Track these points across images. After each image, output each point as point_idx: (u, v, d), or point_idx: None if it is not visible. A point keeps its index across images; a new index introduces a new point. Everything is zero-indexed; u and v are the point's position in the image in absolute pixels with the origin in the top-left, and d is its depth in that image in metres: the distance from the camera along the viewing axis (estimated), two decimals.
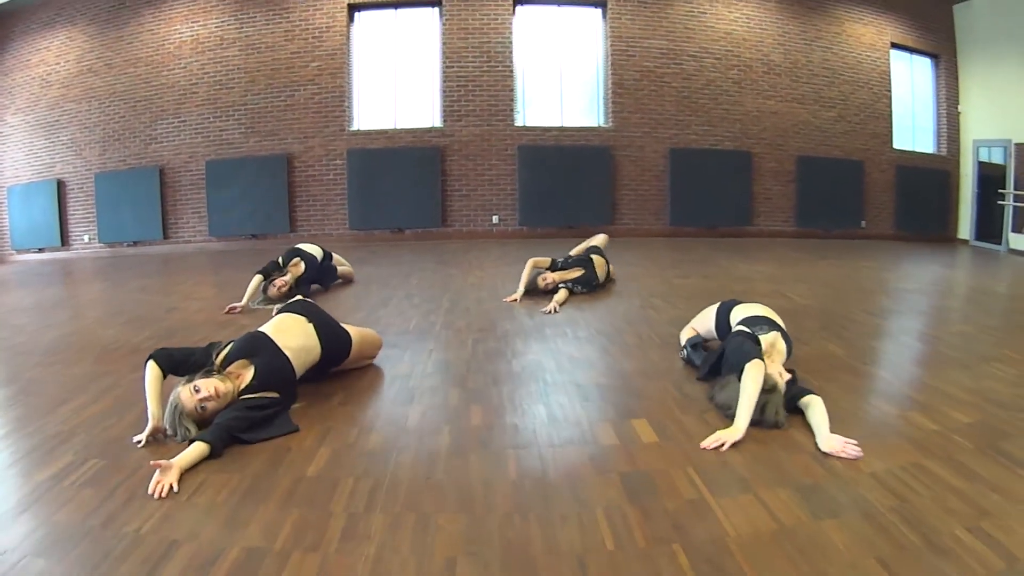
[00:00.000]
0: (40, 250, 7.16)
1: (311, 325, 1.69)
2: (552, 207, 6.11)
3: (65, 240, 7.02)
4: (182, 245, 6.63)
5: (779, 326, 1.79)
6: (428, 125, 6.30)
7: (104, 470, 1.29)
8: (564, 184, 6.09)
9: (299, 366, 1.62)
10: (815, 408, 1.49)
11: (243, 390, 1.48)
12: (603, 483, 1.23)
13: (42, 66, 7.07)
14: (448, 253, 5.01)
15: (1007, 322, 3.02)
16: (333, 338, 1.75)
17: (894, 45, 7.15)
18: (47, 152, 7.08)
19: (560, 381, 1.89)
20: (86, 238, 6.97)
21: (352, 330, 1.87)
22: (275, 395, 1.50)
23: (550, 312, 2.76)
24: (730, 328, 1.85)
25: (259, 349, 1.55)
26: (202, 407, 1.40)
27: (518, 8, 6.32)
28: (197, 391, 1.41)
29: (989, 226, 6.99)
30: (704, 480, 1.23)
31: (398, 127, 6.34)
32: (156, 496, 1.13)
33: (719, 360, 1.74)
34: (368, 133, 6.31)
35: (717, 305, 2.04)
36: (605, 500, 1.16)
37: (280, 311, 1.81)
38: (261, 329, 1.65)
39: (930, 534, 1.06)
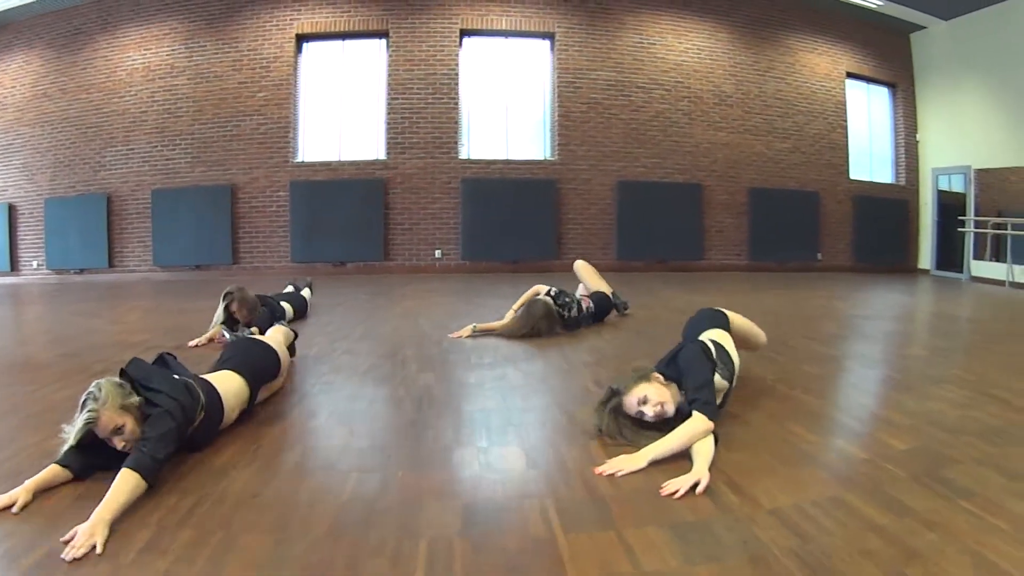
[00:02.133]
0: None
1: (240, 377, 1.58)
2: (496, 241, 6.02)
3: (15, 265, 6.93)
4: (127, 274, 6.54)
5: (731, 374, 1.62)
6: (372, 157, 6.25)
7: None
8: (509, 218, 6.01)
9: (230, 410, 1.50)
10: (705, 441, 1.33)
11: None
12: (441, 512, 1.11)
13: None
14: (385, 286, 4.93)
15: (962, 344, 2.91)
16: (260, 375, 1.68)
17: (850, 75, 7.14)
18: None
19: (444, 406, 1.81)
20: (35, 264, 6.88)
21: (284, 354, 1.85)
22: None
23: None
24: (697, 335, 1.69)
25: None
26: (110, 437, 1.22)
27: (465, 40, 6.31)
28: (119, 427, 1.20)
29: (950, 255, 6.92)
30: (561, 515, 1.10)
31: (342, 159, 6.29)
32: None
33: (670, 360, 1.53)
34: (312, 165, 6.26)
35: (709, 310, 1.88)
36: (435, 530, 1.05)
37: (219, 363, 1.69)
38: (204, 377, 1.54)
39: None
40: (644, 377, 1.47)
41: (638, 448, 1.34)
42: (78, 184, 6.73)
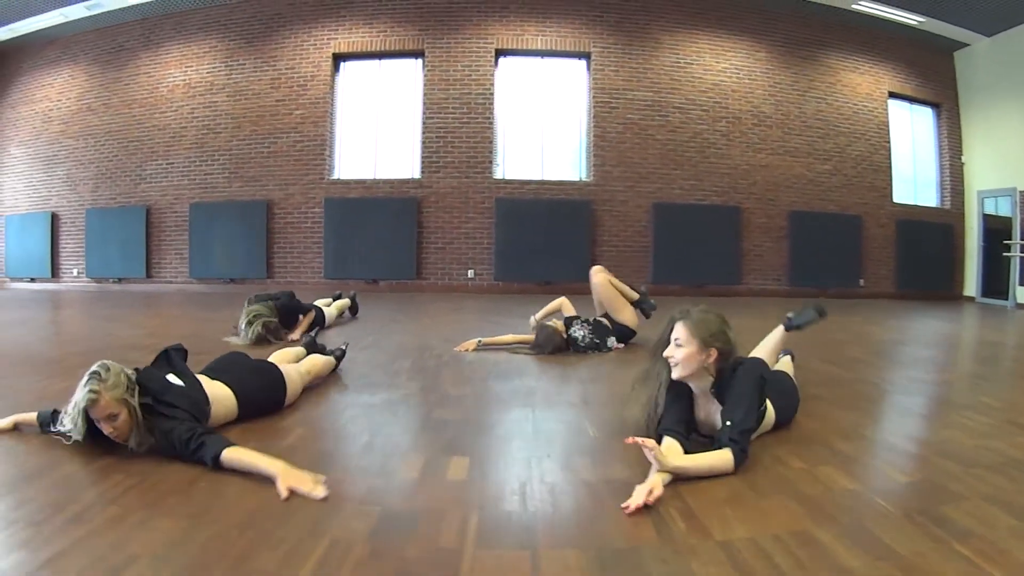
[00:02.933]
0: (32, 280, 7.29)
1: (228, 389, 1.58)
2: (529, 262, 5.97)
3: (56, 272, 7.14)
4: (164, 284, 6.66)
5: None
6: (406, 176, 6.27)
7: None
8: (542, 239, 5.95)
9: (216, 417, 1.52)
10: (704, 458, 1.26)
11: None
12: (357, 515, 1.07)
13: (45, 102, 7.30)
14: (413, 304, 4.92)
15: (995, 371, 2.72)
16: (254, 398, 1.64)
17: (892, 95, 6.93)
18: (44, 185, 7.26)
19: (414, 415, 1.76)
20: (75, 271, 7.07)
21: (293, 377, 1.77)
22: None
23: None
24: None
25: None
26: (101, 422, 1.29)
27: (500, 59, 6.31)
28: (114, 415, 1.28)
29: (996, 281, 6.62)
30: (481, 529, 1.03)
31: (377, 177, 6.32)
32: None
33: (756, 385, 1.35)
34: (347, 182, 6.30)
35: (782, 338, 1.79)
36: (342, 533, 1.01)
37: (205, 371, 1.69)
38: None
39: None
40: (685, 315, 1.39)
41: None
42: (119, 196, 6.90)
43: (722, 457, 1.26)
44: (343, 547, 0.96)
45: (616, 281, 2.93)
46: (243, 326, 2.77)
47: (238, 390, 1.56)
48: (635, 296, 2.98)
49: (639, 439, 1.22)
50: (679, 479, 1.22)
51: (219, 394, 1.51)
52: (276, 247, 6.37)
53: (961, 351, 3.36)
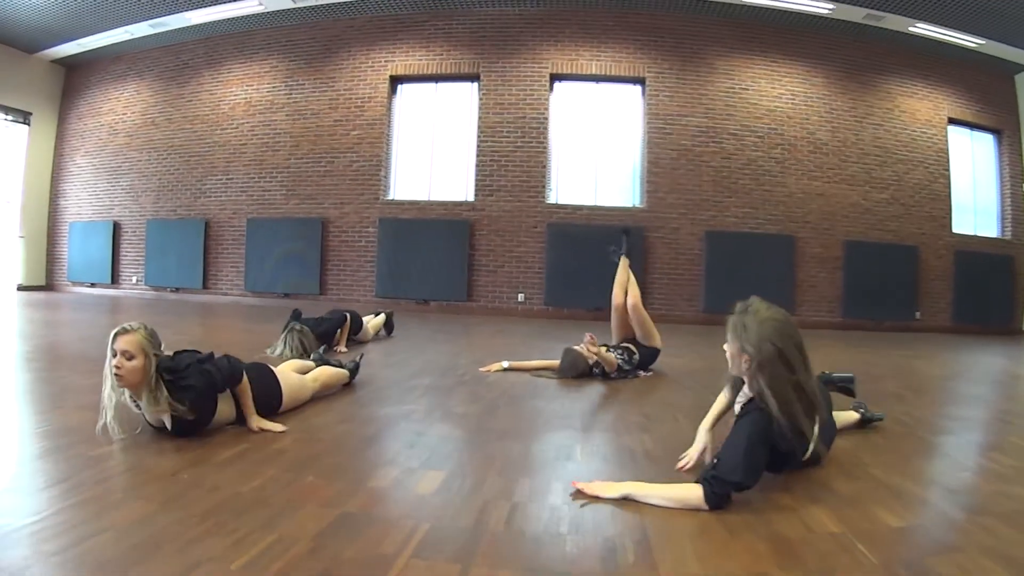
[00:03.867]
0: (92, 285, 7.64)
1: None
2: (580, 288, 5.98)
3: (115, 279, 7.47)
4: (219, 296, 6.91)
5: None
6: (460, 198, 6.36)
7: None
8: (594, 265, 5.94)
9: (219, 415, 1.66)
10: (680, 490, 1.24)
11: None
12: (313, 516, 1.12)
13: (111, 115, 7.66)
14: (459, 325, 4.98)
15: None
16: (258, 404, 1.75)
17: (952, 120, 6.74)
18: (107, 195, 7.62)
19: (409, 429, 1.79)
20: (134, 279, 7.39)
21: (291, 381, 1.88)
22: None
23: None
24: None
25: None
26: (117, 357, 1.42)
27: (555, 84, 6.36)
28: (131, 356, 1.43)
29: None
30: (424, 539, 1.05)
31: (431, 199, 6.43)
32: None
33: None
34: (401, 203, 6.43)
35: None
36: (291, 530, 1.06)
37: None
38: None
39: None
40: (741, 311, 1.38)
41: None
42: (179, 208, 7.19)
43: (691, 493, 1.20)
44: (287, 543, 1.00)
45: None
46: (282, 338, 2.91)
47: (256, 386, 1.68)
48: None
49: (579, 485, 1.27)
50: (646, 506, 1.21)
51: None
52: (330, 264, 6.54)
53: (1007, 388, 3.16)
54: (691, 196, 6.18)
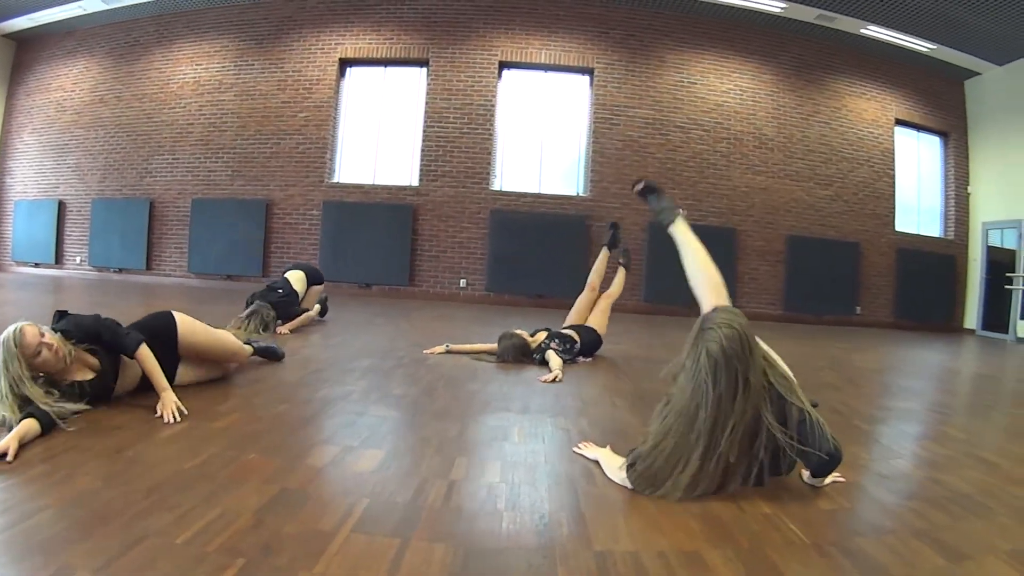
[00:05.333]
0: (36, 265, 7.43)
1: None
2: (522, 275, 5.97)
3: (59, 258, 7.27)
4: (162, 277, 6.76)
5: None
6: (404, 183, 6.31)
7: None
8: (536, 252, 5.95)
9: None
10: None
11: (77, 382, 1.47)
12: (255, 492, 1.14)
13: (60, 91, 7.46)
14: (400, 309, 4.93)
15: (970, 402, 2.64)
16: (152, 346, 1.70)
17: (899, 122, 6.86)
18: (53, 173, 7.42)
19: (348, 410, 1.78)
20: (78, 259, 7.20)
21: (189, 326, 1.80)
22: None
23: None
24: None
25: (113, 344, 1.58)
26: (39, 351, 1.38)
27: (504, 72, 6.34)
28: (43, 335, 1.40)
29: (999, 314, 6.51)
30: (364, 514, 1.06)
31: (375, 183, 6.37)
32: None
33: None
34: (346, 186, 6.36)
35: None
36: (234, 505, 1.07)
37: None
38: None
39: None
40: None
41: None
42: (124, 188, 7.03)
43: (617, 460, 1.29)
44: (230, 517, 1.01)
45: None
46: (244, 316, 2.96)
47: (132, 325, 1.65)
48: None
49: (579, 449, 1.40)
50: (583, 485, 1.26)
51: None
52: (273, 246, 6.44)
53: (942, 382, 3.27)
54: None
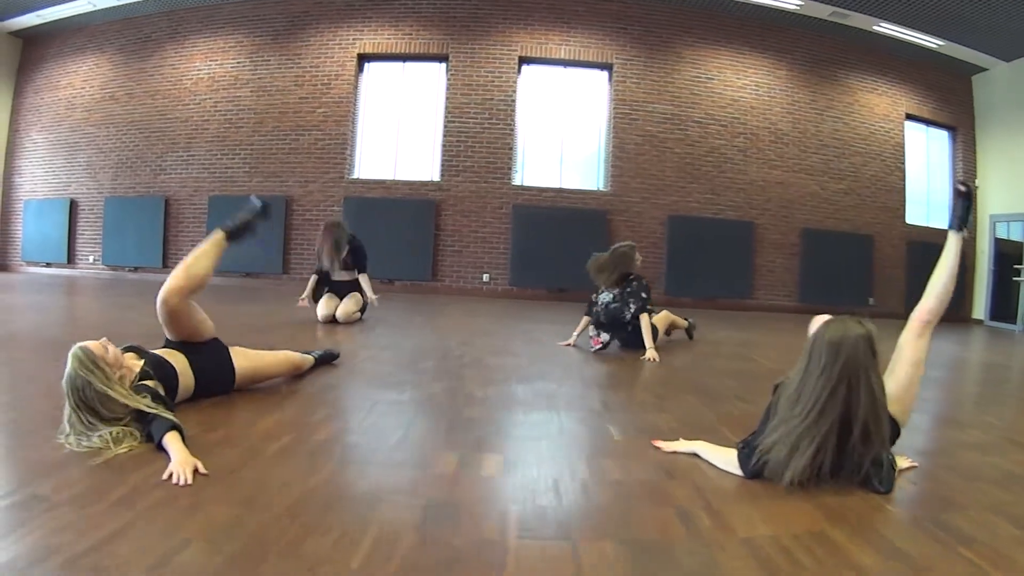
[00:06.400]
0: (47, 264, 7.36)
1: (187, 361, 1.65)
2: (544, 269, 6.02)
3: (72, 258, 7.21)
4: None
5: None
6: (426, 178, 6.33)
7: None
8: (558, 246, 6.00)
9: (181, 387, 1.60)
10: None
11: (136, 379, 1.43)
12: (400, 507, 1.12)
13: (69, 89, 7.38)
14: (428, 305, 4.99)
15: (998, 392, 2.81)
16: (209, 379, 1.70)
17: (909, 116, 6.98)
18: (64, 171, 7.34)
19: (442, 413, 1.82)
20: (91, 258, 7.14)
21: (245, 360, 1.80)
22: (160, 390, 1.47)
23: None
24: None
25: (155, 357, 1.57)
26: (106, 347, 1.38)
27: (523, 67, 6.37)
28: (107, 349, 1.37)
29: (1006, 305, 6.66)
30: (521, 521, 1.09)
31: (396, 178, 6.38)
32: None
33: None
34: (366, 182, 6.36)
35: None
36: (388, 522, 1.05)
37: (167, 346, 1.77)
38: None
39: None
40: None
41: None
42: (138, 185, 6.98)
43: (731, 453, 1.38)
44: (392, 535, 1.00)
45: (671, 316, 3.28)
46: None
47: (193, 361, 1.62)
48: (684, 324, 3.36)
49: (659, 444, 1.48)
50: (703, 478, 1.33)
51: (180, 363, 1.58)
52: (293, 243, 6.43)
53: (966, 372, 3.44)
54: (655, 181, 6.27)
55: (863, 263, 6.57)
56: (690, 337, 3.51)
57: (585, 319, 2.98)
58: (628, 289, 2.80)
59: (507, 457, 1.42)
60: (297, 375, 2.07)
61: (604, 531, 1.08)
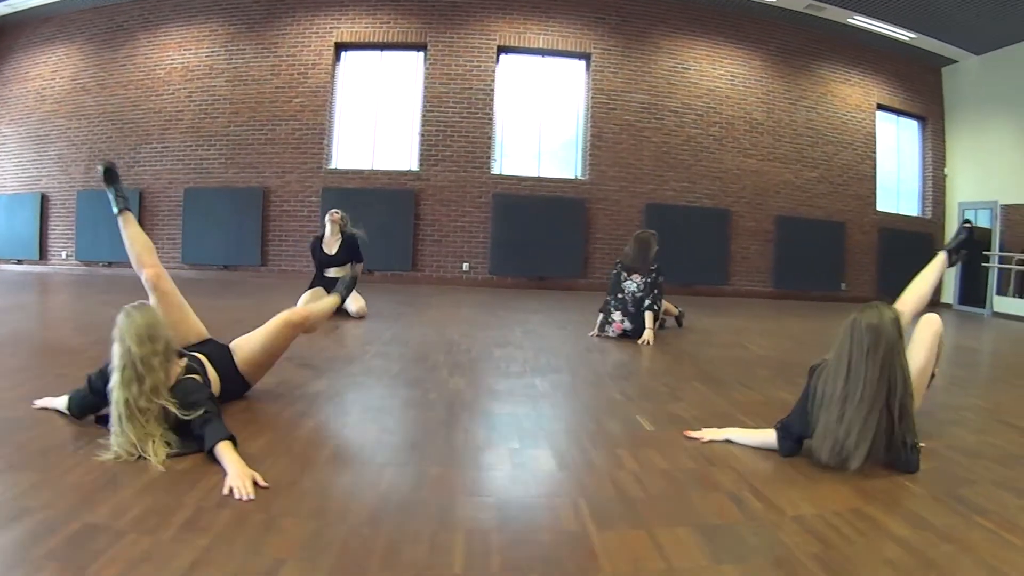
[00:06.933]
0: (19, 261, 7.18)
1: (208, 360, 1.62)
2: (524, 257, 6.06)
3: (44, 254, 7.04)
4: None
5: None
6: (404, 168, 6.31)
7: None
8: (537, 235, 6.04)
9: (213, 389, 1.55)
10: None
11: (180, 376, 1.38)
12: (476, 507, 1.16)
13: (39, 80, 7.18)
14: (411, 295, 5.00)
15: (981, 375, 2.98)
16: (227, 380, 1.65)
17: (880, 106, 7.15)
18: (35, 165, 7.15)
19: (474, 409, 1.85)
20: (64, 254, 6.99)
21: (240, 351, 1.68)
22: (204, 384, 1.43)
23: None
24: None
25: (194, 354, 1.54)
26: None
27: (502, 56, 6.38)
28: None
29: (974, 290, 6.89)
30: (593, 513, 1.16)
31: (375, 168, 6.35)
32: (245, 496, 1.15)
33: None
34: (345, 172, 6.32)
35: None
36: (471, 523, 1.09)
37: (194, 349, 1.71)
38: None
39: None
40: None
41: None
42: None
43: (768, 435, 1.51)
44: (480, 536, 1.03)
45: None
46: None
47: (211, 361, 1.59)
48: (675, 311, 3.62)
49: (691, 433, 1.59)
50: (749, 461, 1.47)
51: (206, 363, 1.57)
52: (271, 235, 6.37)
53: (948, 357, 3.56)
54: (632, 170, 6.34)
55: (835, 249, 6.73)
56: (679, 325, 3.64)
57: (602, 316, 3.18)
58: (655, 279, 3.11)
59: (555, 451, 1.48)
60: (310, 330, 1.87)
61: (671, 517, 1.16)
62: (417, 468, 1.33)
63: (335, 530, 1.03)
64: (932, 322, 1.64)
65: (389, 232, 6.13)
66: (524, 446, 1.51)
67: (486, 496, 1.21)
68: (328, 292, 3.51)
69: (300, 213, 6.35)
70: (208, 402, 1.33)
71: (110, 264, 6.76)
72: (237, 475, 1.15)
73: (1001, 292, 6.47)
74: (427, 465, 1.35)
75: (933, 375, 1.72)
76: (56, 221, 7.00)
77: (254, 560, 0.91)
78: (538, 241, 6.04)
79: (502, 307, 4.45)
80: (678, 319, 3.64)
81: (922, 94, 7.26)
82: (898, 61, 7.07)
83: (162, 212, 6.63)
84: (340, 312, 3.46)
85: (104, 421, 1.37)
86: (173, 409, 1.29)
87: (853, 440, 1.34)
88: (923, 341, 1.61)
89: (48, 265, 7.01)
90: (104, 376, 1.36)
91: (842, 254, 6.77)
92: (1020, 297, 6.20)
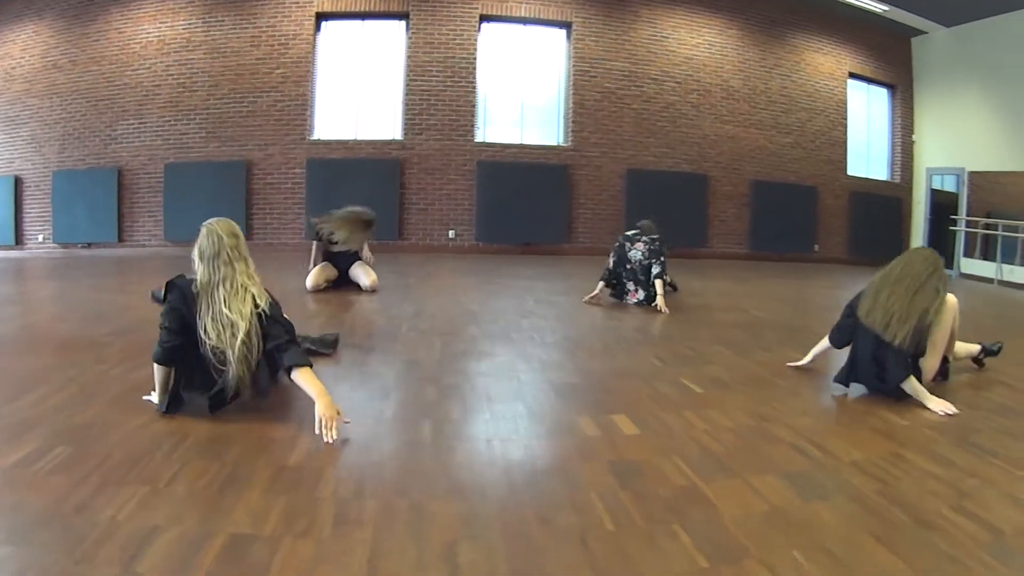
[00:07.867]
0: None
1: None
2: (509, 224, 6.15)
3: (19, 239, 6.88)
4: (137, 248, 6.54)
5: None
6: (388, 137, 6.33)
7: (72, 457, 1.24)
8: (522, 201, 6.14)
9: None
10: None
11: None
12: (592, 471, 1.27)
13: (7, 59, 6.96)
14: (402, 264, 5.05)
15: (961, 336, 3.20)
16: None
17: (852, 75, 7.39)
18: (6, 147, 6.96)
19: (533, 380, 1.95)
20: (40, 238, 6.84)
21: None
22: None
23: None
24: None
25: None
26: None
27: (484, 25, 6.41)
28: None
29: (941, 252, 7.09)
30: (691, 468, 1.29)
31: (359, 138, 6.35)
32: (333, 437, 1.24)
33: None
34: (328, 143, 6.31)
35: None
36: (597, 486, 1.20)
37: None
38: None
39: (917, 512, 1.14)
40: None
41: None
42: (88, 157, 6.69)
43: (823, 342, 2.08)
44: (614, 498, 1.13)
45: None
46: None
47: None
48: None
49: (792, 364, 2.10)
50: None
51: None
52: (255, 208, 6.35)
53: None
54: (613, 136, 6.47)
55: (808, 213, 6.99)
56: (675, 289, 3.78)
57: (601, 284, 3.31)
58: (657, 245, 3.30)
59: (632, 416, 1.60)
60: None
61: (755, 467, 1.31)
62: (518, 440, 1.42)
63: (482, 508, 1.08)
64: (952, 300, 1.99)
65: (375, 202, 6.05)
66: (602, 413, 1.62)
67: (596, 461, 1.31)
68: (335, 266, 3.54)
69: (284, 185, 6.33)
70: (292, 330, 1.41)
71: (89, 245, 6.66)
72: (328, 405, 1.24)
73: (968, 254, 6.81)
74: (527, 438, 1.45)
75: (948, 360, 2.06)
76: (31, 204, 6.84)
77: (427, 547, 0.94)
78: (523, 207, 6.15)
79: (497, 274, 4.52)
80: (672, 284, 3.74)
81: (892, 63, 7.52)
82: (870, 31, 7.31)
83: (142, 189, 6.54)
84: (353, 286, 3.51)
85: (218, 402, 1.42)
86: (263, 304, 1.39)
87: (899, 316, 1.70)
88: (949, 310, 1.98)
89: (25, 249, 6.85)
90: (176, 285, 1.45)
91: (814, 217, 7.03)
92: (985, 259, 6.53)
